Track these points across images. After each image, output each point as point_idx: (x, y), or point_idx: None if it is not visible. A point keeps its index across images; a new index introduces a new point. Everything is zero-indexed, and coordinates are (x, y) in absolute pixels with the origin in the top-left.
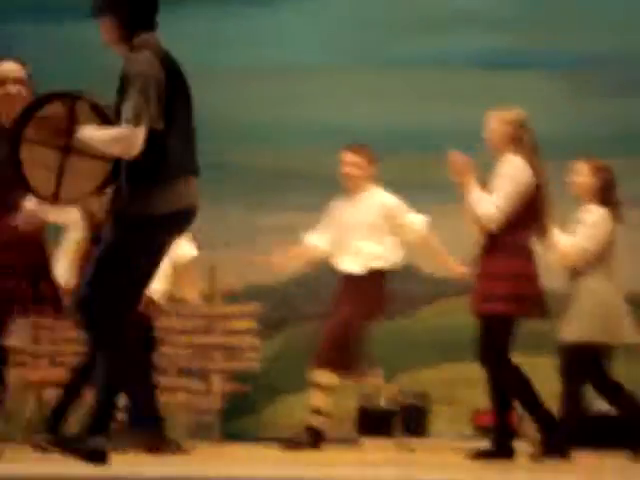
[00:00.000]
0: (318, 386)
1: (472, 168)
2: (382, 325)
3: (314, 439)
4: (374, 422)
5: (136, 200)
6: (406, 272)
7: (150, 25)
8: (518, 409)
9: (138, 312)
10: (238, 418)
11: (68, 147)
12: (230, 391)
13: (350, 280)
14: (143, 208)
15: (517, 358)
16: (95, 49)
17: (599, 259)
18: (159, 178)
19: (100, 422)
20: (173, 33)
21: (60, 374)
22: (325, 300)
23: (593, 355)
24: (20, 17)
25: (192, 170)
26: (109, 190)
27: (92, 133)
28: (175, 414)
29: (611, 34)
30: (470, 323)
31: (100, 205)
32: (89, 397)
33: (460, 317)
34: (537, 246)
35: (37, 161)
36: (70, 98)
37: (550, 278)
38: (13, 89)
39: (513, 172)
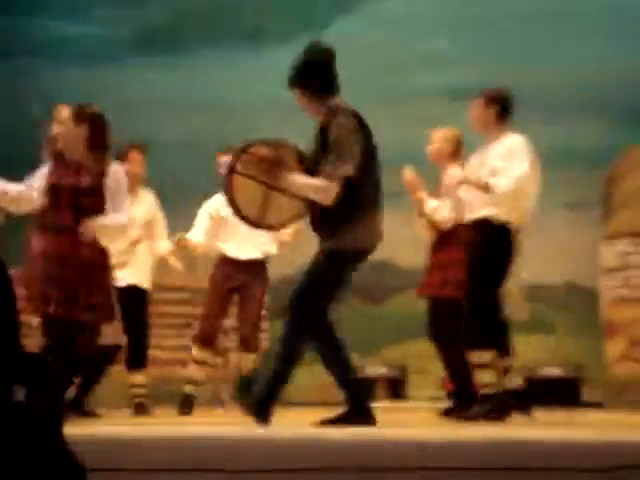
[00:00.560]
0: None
1: (421, 183)
2: (365, 310)
3: (189, 405)
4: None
5: (340, 237)
6: (382, 266)
7: (336, 89)
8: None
9: None
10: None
11: (273, 184)
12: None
13: (251, 265)
14: (346, 243)
15: None
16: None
17: None
18: (354, 218)
19: (274, 390)
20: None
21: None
22: None
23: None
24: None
25: (378, 211)
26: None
27: (297, 179)
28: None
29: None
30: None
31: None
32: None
33: (424, 303)
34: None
35: (246, 192)
36: (279, 145)
37: None
38: (66, 127)
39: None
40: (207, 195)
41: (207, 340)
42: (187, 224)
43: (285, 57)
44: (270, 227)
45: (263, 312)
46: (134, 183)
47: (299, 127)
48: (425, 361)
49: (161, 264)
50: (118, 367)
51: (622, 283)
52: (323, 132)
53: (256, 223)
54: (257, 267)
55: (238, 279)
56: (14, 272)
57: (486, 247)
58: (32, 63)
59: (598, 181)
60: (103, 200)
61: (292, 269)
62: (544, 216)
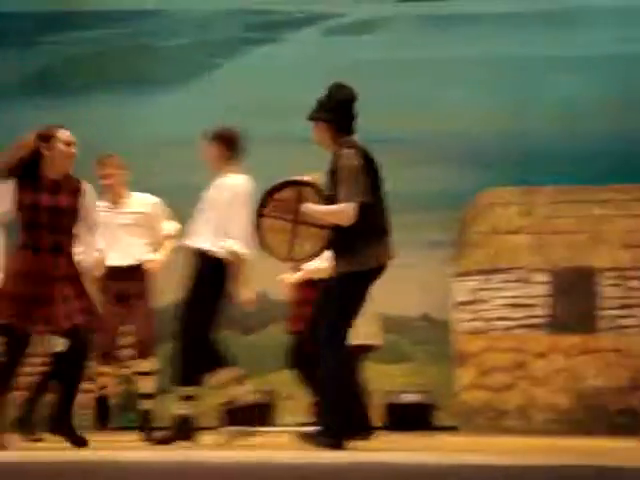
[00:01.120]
0: (147, 374)
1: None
2: (240, 339)
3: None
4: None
5: (354, 258)
6: (258, 298)
7: (352, 130)
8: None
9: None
10: None
11: (297, 220)
12: None
13: (132, 271)
14: (360, 264)
15: None
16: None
17: None
18: (371, 240)
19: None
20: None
21: None
22: None
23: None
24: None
25: (387, 233)
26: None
27: (315, 207)
28: None
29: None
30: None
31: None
32: None
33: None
34: None
35: (274, 231)
36: (300, 185)
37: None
38: (74, 150)
39: None
40: None
41: (107, 353)
42: None
43: (170, 101)
44: (300, 260)
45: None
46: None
47: (184, 167)
48: (295, 388)
49: None
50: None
51: (472, 316)
52: (335, 164)
53: (287, 259)
54: (136, 273)
55: (120, 286)
56: None
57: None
58: None
59: (453, 223)
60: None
61: None
62: (405, 253)
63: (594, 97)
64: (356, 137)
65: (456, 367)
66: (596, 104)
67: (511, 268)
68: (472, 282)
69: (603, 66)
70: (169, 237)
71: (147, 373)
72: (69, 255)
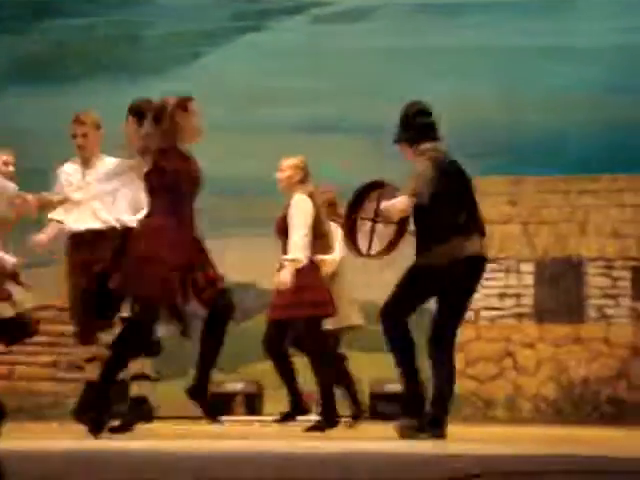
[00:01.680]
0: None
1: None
2: (232, 327)
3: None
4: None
5: (425, 253)
6: (244, 288)
7: (430, 137)
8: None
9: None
10: None
11: (376, 218)
12: None
13: (96, 235)
14: (428, 259)
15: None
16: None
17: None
18: (438, 238)
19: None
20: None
21: None
22: None
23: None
24: None
25: (465, 231)
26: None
27: (387, 203)
28: None
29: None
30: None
31: None
32: None
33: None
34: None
35: (358, 229)
36: (380, 186)
37: None
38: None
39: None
40: None
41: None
42: None
43: (158, 89)
44: (378, 255)
45: None
46: None
47: None
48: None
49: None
50: None
51: None
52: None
53: (370, 256)
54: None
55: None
56: None
57: None
58: None
59: None
60: None
61: None
62: None
63: (583, 87)
64: (437, 144)
65: None
66: (585, 94)
67: (499, 258)
68: None
69: (594, 56)
70: None
71: None
72: None
